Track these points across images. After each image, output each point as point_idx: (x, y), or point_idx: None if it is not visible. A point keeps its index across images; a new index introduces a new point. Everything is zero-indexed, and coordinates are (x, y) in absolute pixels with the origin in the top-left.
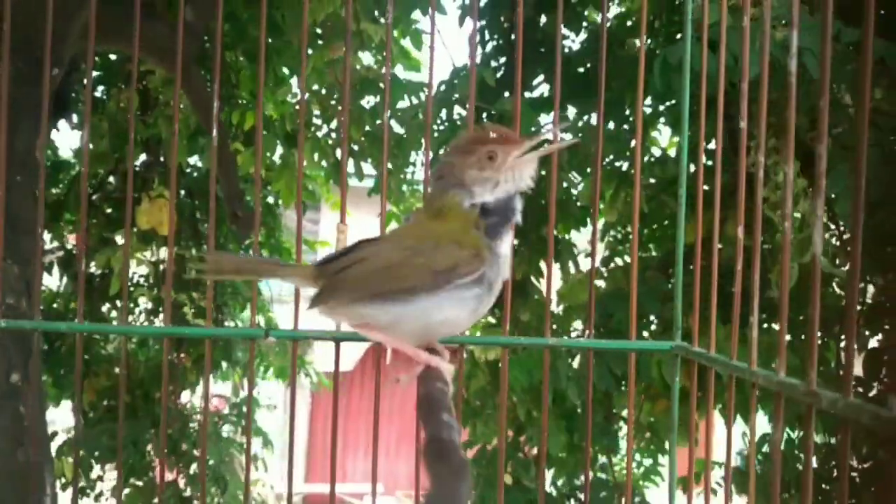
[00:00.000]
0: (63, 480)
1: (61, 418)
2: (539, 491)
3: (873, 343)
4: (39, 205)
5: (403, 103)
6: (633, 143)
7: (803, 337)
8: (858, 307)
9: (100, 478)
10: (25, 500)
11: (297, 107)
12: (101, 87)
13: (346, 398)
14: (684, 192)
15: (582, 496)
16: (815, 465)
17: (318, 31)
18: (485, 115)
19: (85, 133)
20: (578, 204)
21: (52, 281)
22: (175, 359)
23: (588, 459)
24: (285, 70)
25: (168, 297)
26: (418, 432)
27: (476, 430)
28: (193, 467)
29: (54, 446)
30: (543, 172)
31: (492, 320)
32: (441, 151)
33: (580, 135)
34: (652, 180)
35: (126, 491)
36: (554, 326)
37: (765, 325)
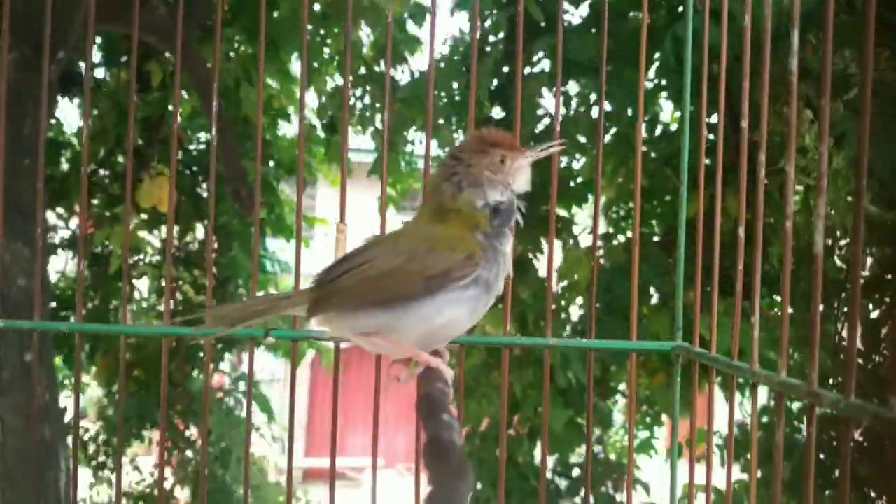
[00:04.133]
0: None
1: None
2: (541, 490)
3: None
4: (39, 213)
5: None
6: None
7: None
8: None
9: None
10: (40, 475)
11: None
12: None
13: (346, 374)
14: (685, 192)
15: (573, 473)
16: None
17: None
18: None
19: (85, 128)
20: (580, 180)
21: (59, 262)
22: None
23: (589, 456)
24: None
25: (168, 297)
26: (419, 432)
27: (469, 408)
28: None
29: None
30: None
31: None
32: (442, 138)
33: (581, 109)
34: (653, 155)
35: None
36: (553, 307)
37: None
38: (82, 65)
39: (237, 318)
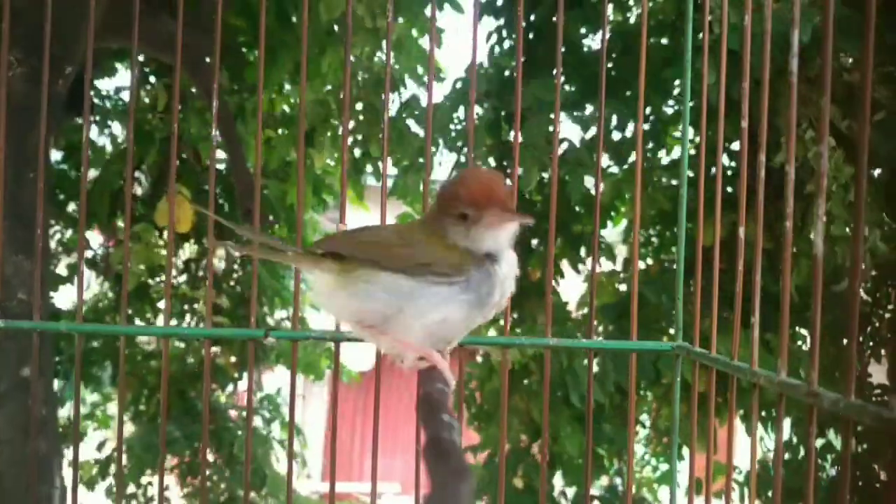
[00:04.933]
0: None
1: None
2: (541, 495)
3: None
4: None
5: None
6: (650, 143)
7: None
8: (885, 314)
9: (149, 483)
10: (34, 489)
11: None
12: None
13: (367, 397)
14: (685, 193)
15: None
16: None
17: (336, 28)
18: (503, 113)
19: (85, 132)
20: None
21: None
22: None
23: (589, 464)
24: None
25: (168, 297)
26: (418, 433)
27: (488, 433)
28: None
29: (100, 454)
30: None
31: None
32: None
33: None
34: (674, 182)
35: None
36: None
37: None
38: (98, 83)
39: (264, 246)
